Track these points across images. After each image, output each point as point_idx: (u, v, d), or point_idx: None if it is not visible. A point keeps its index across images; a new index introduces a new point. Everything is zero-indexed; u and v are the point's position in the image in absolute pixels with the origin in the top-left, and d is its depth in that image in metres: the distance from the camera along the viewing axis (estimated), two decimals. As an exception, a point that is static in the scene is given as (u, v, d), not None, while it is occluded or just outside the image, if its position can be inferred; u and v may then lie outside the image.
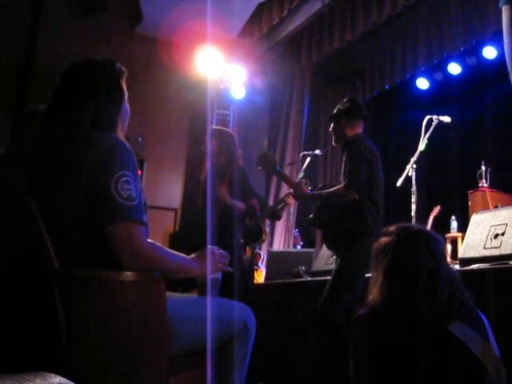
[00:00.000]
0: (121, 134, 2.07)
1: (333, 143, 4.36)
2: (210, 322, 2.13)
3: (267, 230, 8.25)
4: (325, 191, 4.14)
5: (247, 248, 5.23)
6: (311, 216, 4.30)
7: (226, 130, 5.32)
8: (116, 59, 2.15)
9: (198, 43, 7.67)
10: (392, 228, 2.25)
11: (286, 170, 8.27)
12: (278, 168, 4.47)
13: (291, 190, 4.46)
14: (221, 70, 8.01)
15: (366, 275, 3.82)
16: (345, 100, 4.36)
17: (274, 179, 8.77)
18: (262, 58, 8.33)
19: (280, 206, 5.42)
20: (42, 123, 2.03)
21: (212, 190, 4.75)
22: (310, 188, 4.35)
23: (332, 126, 4.28)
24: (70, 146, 1.88)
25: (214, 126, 5.57)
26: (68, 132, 1.92)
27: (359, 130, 4.22)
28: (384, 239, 2.22)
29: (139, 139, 7.75)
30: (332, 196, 4.04)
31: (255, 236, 5.27)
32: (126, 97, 2.13)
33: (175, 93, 8.25)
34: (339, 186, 3.98)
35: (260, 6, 7.61)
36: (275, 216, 5.53)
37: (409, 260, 2.12)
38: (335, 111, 4.28)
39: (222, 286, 2.56)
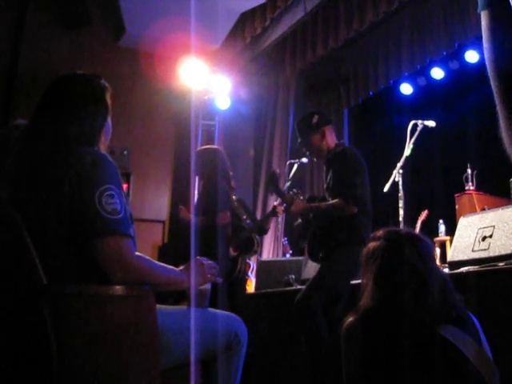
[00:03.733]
0: (103, 148, 2.06)
1: (315, 159, 4.35)
2: (196, 333, 2.12)
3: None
4: (323, 204, 4.09)
5: (240, 259, 5.26)
6: (299, 230, 4.28)
7: (210, 147, 5.47)
8: (99, 72, 2.15)
9: (182, 54, 7.67)
10: (380, 232, 2.24)
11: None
12: (279, 187, 4.45)
13: (285, 205, 4.45)
14: (205, 80, 8.01)
15: (353, 282, 3.84)
16: (299, 120, 4.34)
17: (261, 190, 8.78)
18: (246, 67, 8.33)
19: (266, 220, 5.47)
20: (26, 137, 2.02)
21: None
22: (300, 197, 4.31)
23: (305, 148, 4.26)
24: (53, 160, 1.88)
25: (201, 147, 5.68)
26: (53, 146, 1.91)
27: (333, 136, 4.21)
28: (373, 244, 2.21)
29: (125, 152, 7.73)
30: (331, 210, 3.99)
31: (248, 247, 5.31)
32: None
33: (160, 105, 8.25)
34: (337, 201, 3.92)
35: (242, 16, 7.63)
36: (262, 231, 5.57)
37: (399, 264, 2.11)
38: (300, 135, 4.24)
39: (212, 296, 2.55)
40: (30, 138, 2.00)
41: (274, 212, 5.35)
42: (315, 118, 4.19)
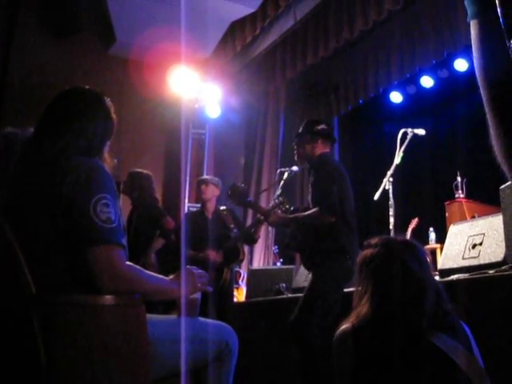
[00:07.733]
0: (109, 161, 2.09)
1: (295, 158, 4.35)
2: (186, 343, 2.11)
3: (246, 247, 8.27)
4: (300, 215, 4.12)
5: (225, 269, 5.27)
6: (287, 241, 4.30)
7: (142, 172, 5.87)
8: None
9: (172, 63, 7.66)
10: (376, 240, 2.23)
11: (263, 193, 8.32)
12: (248, 199, 4.50)
13: (263, 218, 4.49)
14: (195, 89, 8.01)
15: (345, 290, 3.84)
16: (308, 120, 4.37)
17: (252, 198, 8.78)
18: (237, 76, 8.35)
19: (253, 228, 5.48)
20: (28, 147, 2.02)
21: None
22: (286, 206, 4.33)
23: (295, 145, 4.28)
24: (51, 169, 1.87)
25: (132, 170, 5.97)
26: (53, 157, 1.91)
27: (324, 150, 4.21)
28: (369, 251, 2.19)
29: (115, 161, 7.70)
30: (308, 220, 4.02)
31: (233, 256, 5.32)
32: None
33: (150, 113, 8.22)
34: (314, 211, 3.95)
35: (233, 25, 7.64)
36: (251, 240, 5.58)
37: (399, 270, 2.10)
38: (300, 132, 4.26)
39: (201, 305, 2.54)
40: (32, 148, 2.00)
41: (259, 220, 5.37)
42: (320, 127, 4.22)
